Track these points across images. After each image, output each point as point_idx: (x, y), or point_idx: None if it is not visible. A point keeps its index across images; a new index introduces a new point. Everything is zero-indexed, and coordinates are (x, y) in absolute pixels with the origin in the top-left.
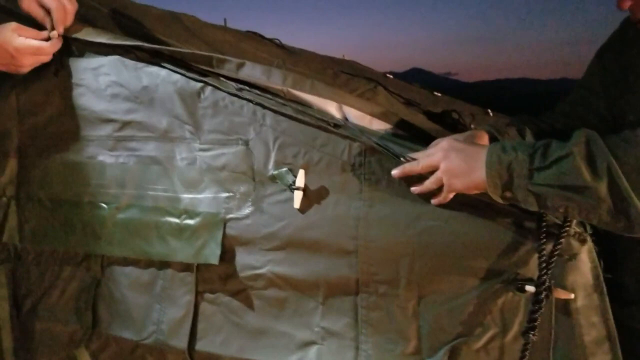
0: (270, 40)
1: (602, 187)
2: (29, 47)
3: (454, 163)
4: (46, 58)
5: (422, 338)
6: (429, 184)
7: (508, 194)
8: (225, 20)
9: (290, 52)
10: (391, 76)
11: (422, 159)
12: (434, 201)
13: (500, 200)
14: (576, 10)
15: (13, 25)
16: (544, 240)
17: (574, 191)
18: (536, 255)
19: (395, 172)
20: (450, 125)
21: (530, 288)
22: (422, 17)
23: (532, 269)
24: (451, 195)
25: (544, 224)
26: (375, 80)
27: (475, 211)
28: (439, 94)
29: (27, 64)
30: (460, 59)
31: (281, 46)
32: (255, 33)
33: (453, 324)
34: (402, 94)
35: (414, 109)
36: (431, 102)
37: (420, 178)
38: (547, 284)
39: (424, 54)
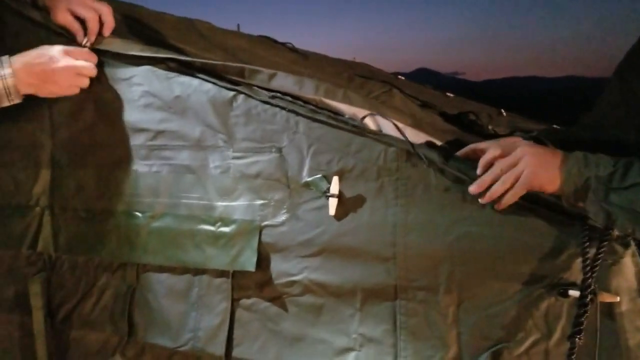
0: (283, 44)
1: None
2: (73, 66)
3: (534, 161)
4: (85, 82)
5: (462, 344)
6: (503, 183)
7: (580, 204)
8: (238, 26)
9: (303, 56)
10: (402, 77)
11: (500, 162)
12: (498, 205)
13: (569, 207)
14: (584, 7)
15: (60, 47)
16: (587, 244)
17: None
18: (579, 260)
19: (473, 188)
20: (467, 126)
21: (574, 292)
22: (427, 17)
23: (575, 273)
24: (521, 193)
25: (587, 228)
26: (390, 82)
27: (517, 216)
28: (451, 95)
29: (65, 86)
30: (466, 58)
31: (294, 50)
32: (267, 37)
33: (494, 329)
34: (416, 96)
35: (430, 111)
36: (444, 103)
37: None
38: (592, 287)
39: (430, 54)
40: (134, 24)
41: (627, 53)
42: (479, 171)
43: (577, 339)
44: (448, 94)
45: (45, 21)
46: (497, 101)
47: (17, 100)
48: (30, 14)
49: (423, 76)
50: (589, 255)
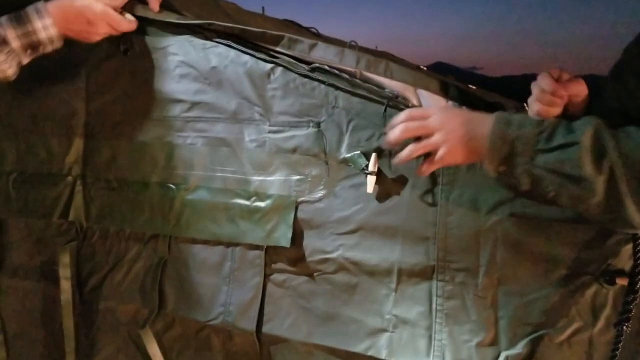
0: (307, 29)
1: (600, 183)
2: (110, 17)
3: (453, 130)
4: (117, 31)
5: (500, 329)
6: (414, 149)
7: (502, 168)
8: (263, 8)
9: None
10: (425, 68)
11: (416, 125)
12: (419, 170)
13: (492, 174)
14: (605, 5)
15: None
16: None
17: (570, 180)
18: (628, 246)
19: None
20: None
21: (622, 280)
22: (446, 11)
23: (623, 260)
24: (435, 167)
25: None
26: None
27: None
28: (473, 87)
29: (101, 33)
30: (485, 53)
31: (318, 35)
32: (292, 21)
33: (535, 315)
34: None
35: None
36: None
37: None
38: None
39: (448, 48)
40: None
41: (624, 51)
42: (387, 129)
43: (624, 326)
44: (470, 86)
45: None
46: (516, 98)
47: (58, 44)
48: None
49: (441, 70)
50: (639, 240)
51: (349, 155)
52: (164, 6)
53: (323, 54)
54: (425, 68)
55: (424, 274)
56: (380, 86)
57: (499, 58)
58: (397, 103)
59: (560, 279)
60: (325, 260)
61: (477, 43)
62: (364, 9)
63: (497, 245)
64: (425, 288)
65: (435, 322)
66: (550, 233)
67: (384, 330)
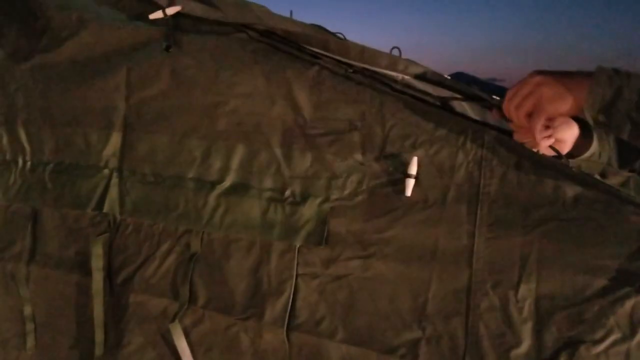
0: (334, 34)
1: None
2: None
3: (550, 88)
4: None
5: (537, 339)
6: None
7: (601, 117)
8: (291, 12)
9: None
10: (448, 77)
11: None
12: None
13: (590, 121)
14: (632, 22)
15: None
16: None
17: None
18: None
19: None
20: None
21: None
22: (469, 22)
23: None
24: (539, 123)
25: None
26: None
27: (604, 208)
28: (497, 97)
29: None
30: (505, 66)
31: (357, 44)
32: (319, 26)
33: (573, 326)
34: None
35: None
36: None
37: None
38: None
39: (469, 59)
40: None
41: None
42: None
43: None
44: (494, 97)
45: None
46: None
47: None
48: None
49: (461, 80)
50: None
51: (389, 159)
52: (207, 4)
53: (371, 59)
54: (448, 77)
55: (461, 283)
56: (426, 94)
57: (520, 71)
58: (442, 110)
59: (600, 290)
60: (360, 264)
61: (498, 55)
62: (388, 16)
63: (536, 255)
64: (462, 298)
65: (471, 332)
66: (590, 245)
67: (419, 339)
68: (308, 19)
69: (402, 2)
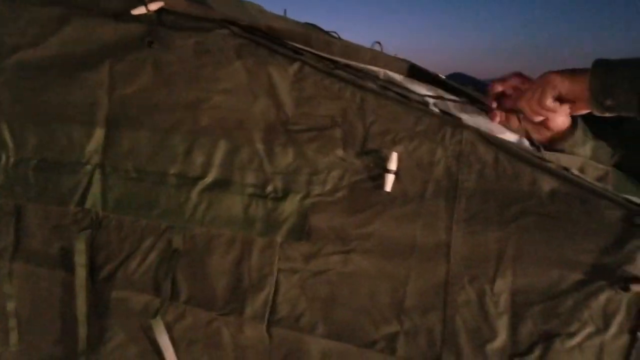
0: (328, 33)
1: None
2: None
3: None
4: None
5: (512, 333)
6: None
7: (609, 101)
8: (285, 11)
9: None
10: (443, 77)
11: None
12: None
13: (598, 110)
14: (632, 22)
15: None
16: None
17: None
18: None
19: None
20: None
21: (636, 287)
22: (467, 22)
23: (638, 266)
24: (548, 98)
25: None
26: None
27: (580, 202)
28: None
29: None
30: (504, 66)
31: (338, 40)
32: (314, 25)
33: (548, 319)
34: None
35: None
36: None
37: None
38: None
39: (467, 60)
40: None
41: None
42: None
43: (639, 333)
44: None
45: None
46: None
47: None
48: None
49: (460, 81)
50: None
51: (369, 155)
52: (197, 1)
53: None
54: (444, 77)
55: (438, 278)
56: (406, 90)
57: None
58: (423, 106)
59: (575, 284)
60: (340, 259)
61: (496, 56)
62: (385, 17)
63: (513, 252)
64: (439, 292)
65: (448, 326)
66: (565, 239)
67: (397, 333)
68: (304, 19)
69: (401, 2)
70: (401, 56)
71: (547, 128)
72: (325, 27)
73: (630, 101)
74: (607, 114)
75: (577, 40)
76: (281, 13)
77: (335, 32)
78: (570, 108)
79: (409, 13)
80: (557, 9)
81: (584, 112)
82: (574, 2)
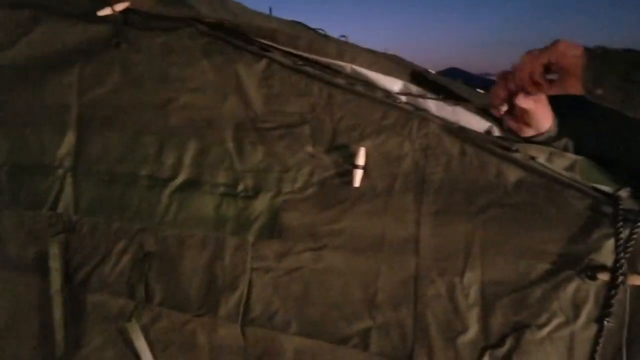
0: (314, 30)
1: None
2: None
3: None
4: None
5: (483, 325)
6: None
7: (599, 91)
8: (270, 9)
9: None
10: (433, 72)
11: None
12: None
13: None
14: (629, 16)
15: None
16: (621, 224)
17: None
18: (611, 241)
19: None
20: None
21: (603, 276)
22: (461, 17)
23: (605, 255)
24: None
25: (621, 208)
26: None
27: (545, 192)
28: (482, 91)
29: None
30: (498, 60)
31: (326, 37)
32: (299, 22)
33: (518, 310)
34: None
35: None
36: (476, 98)
37: None
38: (623, 269)
39: (462, 54)
40: None
41: None
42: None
43: (606, 322)
44: (478, 90)
45: None
46: None
47: None
48: None
49: (454, 75)
50: (622, 236)
51: (338, 150)
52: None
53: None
54: (433, 72)
55: (408, 272)
56: (373, 84)
57: (512, 64)
58: (391, 100)
59: (543, 274)
60: (312, 256)
61: (490, 50)
62: (377, 12)
63: (481, 243)
64: (410, 286)
65: (419, 320)
66: (532, 229)
67: (370, 328)
68: (290, 16)
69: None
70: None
71: (528, 124)
72: (315, 24)
73: (614, 96)
74: (598, 102)
75: (574, 31)
76: (288, 15)
77: (322, 30)
78: (564, 85)
79: (400, 8)
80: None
81: (575, 92)
82: None
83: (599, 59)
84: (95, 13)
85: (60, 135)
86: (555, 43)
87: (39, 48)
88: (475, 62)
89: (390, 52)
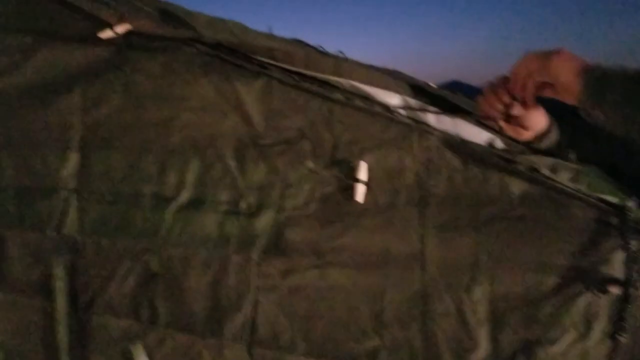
0: (314, 47)
1: None
2: None
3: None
4: None
5: (494, 341)
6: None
7: (595, 112)
8: (270, 27)
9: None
10: (434, 85)
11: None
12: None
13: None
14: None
15: None
16: (631, 236)
17: None
18: (620, 253)
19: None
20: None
21: (614, 289)
22: (460, 29)
23: (615, 267)
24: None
25: (630, 219)
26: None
27: (551, 204)
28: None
29: None
30: (500, 72)
31: (325, 54)
32: (300, 41)
33: (528, 326)
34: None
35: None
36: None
37: None
38: (635, 282)
39: (465, 67)
40: (169, 19)
41: None
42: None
43: (619, 337)
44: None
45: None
46: None
47: None
48: None
49: (455, 88)
50: (632, 247)
51: (339, 166)
52: (176, 21)
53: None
54: (434, 86)
55: (415, 291)
56: (371, 99)
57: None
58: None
59: (553, 288)
60: (317, 274)
61: (492, 62)
62: (377, 26)
63: (487, 257)
64: (418, 305)
65: (428, 339)
66: (539, 242)
67: (377, 348)
68: (290, 33)
69: (392, 9)
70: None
71: (524, 127)
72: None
73: (614, 119)
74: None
75: (580, 41)
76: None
77: (321, 46)
78: (559, 96)
79: (401, 22)
80: (559, 10)
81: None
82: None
83: (597, 81)
84: (95, 35)
85: (63, 157)
86: (551, 57)
87: (42, 72)
88: (478, 74)
89: (390, 66)
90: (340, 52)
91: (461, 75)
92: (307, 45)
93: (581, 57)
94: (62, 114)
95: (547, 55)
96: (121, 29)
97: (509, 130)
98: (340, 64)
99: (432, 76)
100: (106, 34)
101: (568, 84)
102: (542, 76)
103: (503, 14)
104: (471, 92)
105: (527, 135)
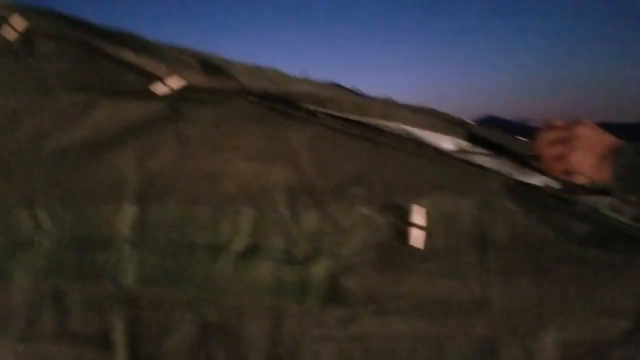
0: (350, 89)
1: None
2: None
3: (585, 144)
4: None
5: None
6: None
7: (627, 195)
8: (304, 70)
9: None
10: (472, 122)
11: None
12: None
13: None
14: None
15: None
16: None
17: None
18: None
19: None
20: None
21: None
22: (492, 63)
23: None
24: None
25: None
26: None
27: (616, 245)
28: (523, 139)
29: None
30: (537, 104)
31: (369, 97)
32: (335, 83)
33: None
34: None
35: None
36: (517, 146)
37: None
38: None
39: (498, 101)
40: (210, 69)
41: None
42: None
43: None
44: (518, 137)
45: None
46: None
47: None
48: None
49: (492, 123)
50: None
51: (397, 212)
52: (217, 72)
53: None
54: (471, 122)
55: (484, 339)
56: (422, 142)
57: (554, 108)
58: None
59: (623, 333)
60: (375, 321)
61: (527, 94)
62: (410, 67)
63: (553, 302)
64: (482, 353)
65: None
66: (605, 285)
67: None
68: (323, 77)
69: (423, 49)
70: (431, 105)
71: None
72: (351, 79)
73: None
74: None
75: (613, 70)
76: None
77: (356, 88)
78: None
79: (433, 60)
80: (594, 40)
81: None
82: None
83: (627, 173)
84: (148, 89)
85: (119, 209)
86: (570, 146)
87: (99, 127)
88: (513, 108)
89: (425, 104)
90: (387, 96)
91: (496, 110)
92: (345, 88)
93: (600, 138)
94: (118, 167)
95: (565, 144)
96: (176, 84)
97: (563, 174)
98: (388, 107)
99: (465, 113)
100: (161, 89)
101: (593, 177)
102: (564, 166)
103: (532, 47)
104: (508, 126)
105: (581, 179)
